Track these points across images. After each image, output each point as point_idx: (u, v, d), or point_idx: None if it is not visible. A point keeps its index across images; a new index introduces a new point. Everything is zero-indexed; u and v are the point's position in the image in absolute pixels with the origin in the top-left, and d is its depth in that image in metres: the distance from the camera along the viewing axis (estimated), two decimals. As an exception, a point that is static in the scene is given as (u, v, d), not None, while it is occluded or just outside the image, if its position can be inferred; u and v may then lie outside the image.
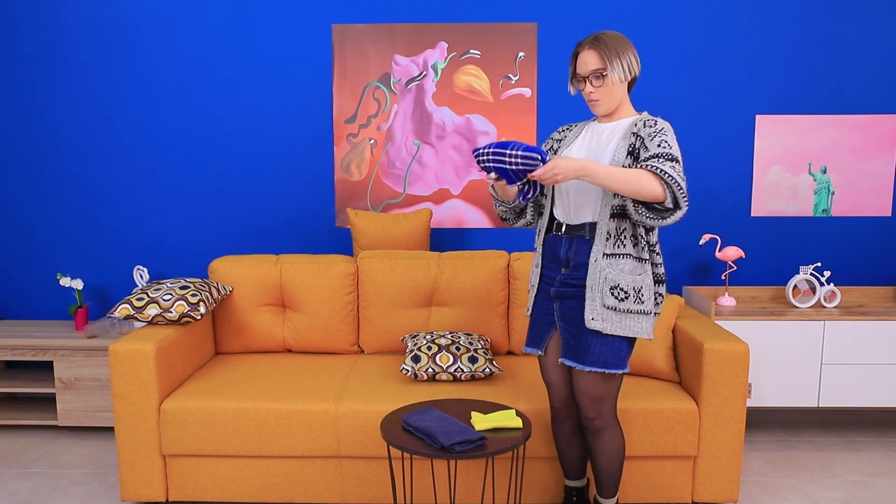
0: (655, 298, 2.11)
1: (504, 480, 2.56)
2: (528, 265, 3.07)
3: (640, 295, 2.04)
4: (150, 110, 3.47)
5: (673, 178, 1.87)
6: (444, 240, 3.54)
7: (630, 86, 2.09)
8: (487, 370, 2.72)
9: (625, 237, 2.04)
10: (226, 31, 3.42)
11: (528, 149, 1.90)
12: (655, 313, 2.10)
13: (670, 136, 1.97)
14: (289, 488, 2.59)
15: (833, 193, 3.47)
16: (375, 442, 2.52)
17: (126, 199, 3.54)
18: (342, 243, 3.55)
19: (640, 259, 2.05)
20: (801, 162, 3.45)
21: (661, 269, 2.09)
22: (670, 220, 1.94)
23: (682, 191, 1.88)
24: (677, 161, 1.92)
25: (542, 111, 3.44)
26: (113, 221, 3.55)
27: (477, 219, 3.50)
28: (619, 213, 2.04)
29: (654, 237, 2.07)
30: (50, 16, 3.43)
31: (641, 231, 2.05)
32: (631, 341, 2.10)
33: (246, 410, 2.53)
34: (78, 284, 3.37)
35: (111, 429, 3.43)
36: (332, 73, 3.43)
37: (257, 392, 2.62)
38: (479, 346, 2.82)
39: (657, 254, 2.08)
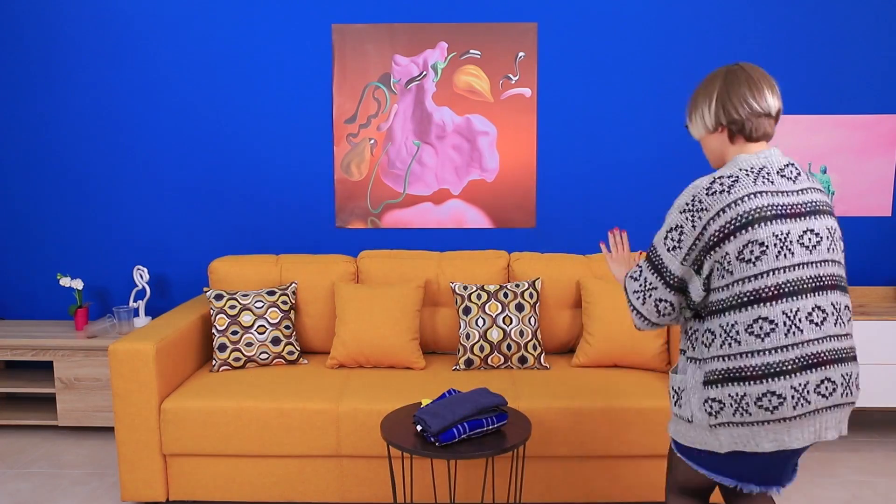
0: (705, 404, 1.60)
1: (504, 480, 2.56)
2: (528, 265, 3.07)
3: (679, 395, 1.70)
4: (149, 110, 3.48)
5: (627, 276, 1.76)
6: (445, 240, 3.54)
7: (730, 135, 1.65)
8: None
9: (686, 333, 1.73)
10: (226, 31, 3.42)
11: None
12: (711, 424, 1.58)
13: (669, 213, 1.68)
14: (289, 488, 2.59)
15: (833, 193, 3.47)
16: (376, 441, 2.52)
17: (126, 199, 3.54)
18: (342, 243, 3.55)
19: (685, 355, 1.71)
20: (801, 162, 3.45)
21: (716, 364, 1.57)
22: (636, 320, 1.74)
23: (628, 292, 1.73)
24: (653, 246, 1.68)
25: (542, 111, 3.44)
26: (113, 221, 3.55)
27: (477, 219, 3.50)
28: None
29: (699, 324, 1.65)
30: (50, 16, 3.43)
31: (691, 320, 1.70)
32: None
33: (246, 410, 2.53)
34: (78, 284, 3.37)
35: (111, 429, 3.43)
36: (332, 73, 3.43)
37: (257, 392, 2.62)
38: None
39: (704, 345, 1.61)
